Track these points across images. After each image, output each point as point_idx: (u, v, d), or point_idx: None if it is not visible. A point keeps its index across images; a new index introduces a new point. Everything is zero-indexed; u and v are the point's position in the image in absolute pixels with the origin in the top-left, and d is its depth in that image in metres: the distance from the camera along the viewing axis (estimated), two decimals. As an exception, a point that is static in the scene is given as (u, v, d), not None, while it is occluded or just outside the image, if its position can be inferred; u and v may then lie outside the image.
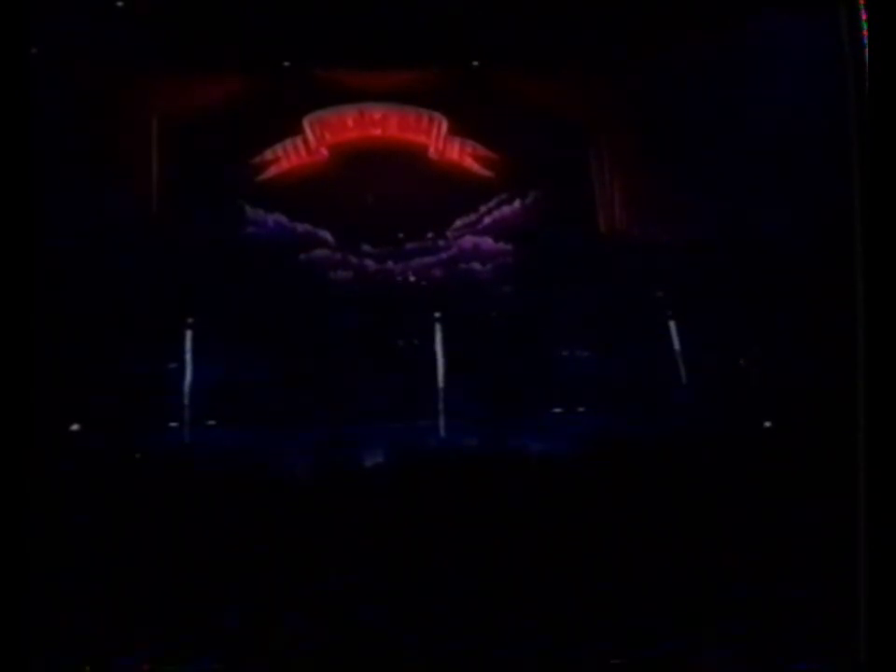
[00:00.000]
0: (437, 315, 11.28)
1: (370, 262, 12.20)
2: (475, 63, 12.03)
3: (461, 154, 12.70)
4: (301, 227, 12.17)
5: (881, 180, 3.59)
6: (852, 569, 3.71)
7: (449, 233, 12.44)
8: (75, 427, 9.58)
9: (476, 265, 12.34)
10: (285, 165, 12.39)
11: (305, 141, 12.46)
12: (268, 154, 12.32)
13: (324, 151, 12.49)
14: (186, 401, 10.49)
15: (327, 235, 12.19)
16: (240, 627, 6.11)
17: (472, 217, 12.51)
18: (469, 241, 12.42)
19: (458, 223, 12.47)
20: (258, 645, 5.79)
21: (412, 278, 12.26)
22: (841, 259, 4.18)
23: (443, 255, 12.37)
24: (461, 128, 12.64)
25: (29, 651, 4.74)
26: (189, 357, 10.71)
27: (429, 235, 12.39)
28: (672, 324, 11.19)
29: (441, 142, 12.67)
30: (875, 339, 3.71)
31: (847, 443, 3.73)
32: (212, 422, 10.39)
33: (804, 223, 9.12)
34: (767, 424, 9.38)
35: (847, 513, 3.74)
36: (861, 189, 3.61)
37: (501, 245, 12.41)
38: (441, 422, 10.49)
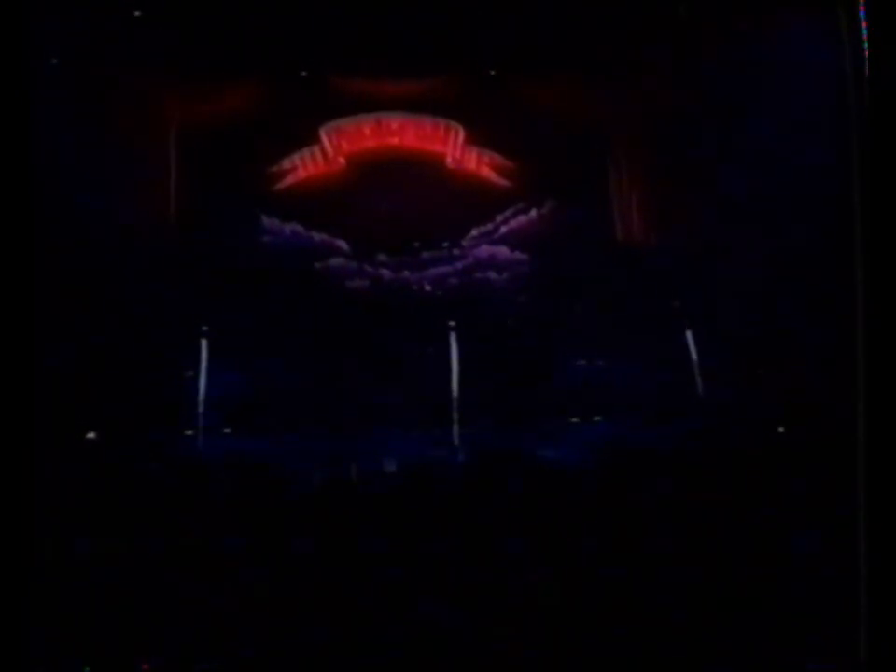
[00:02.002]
0: (452, 323, 11.25)
1: (385, 271, 12.16)
2: (492, 72, 12.00)
3: (478, 163, 12.66)
4: (318, 236, 12.15)
5: (885, 185, 3.54)
6: (853, 569, 3.70)
7: (465, 242, 12.38)
8: (91, 434, 9.61)
9: (492, 274, 12.29)
10: (301, 175, 12.38)
11: (322, 150, 12.45)
12: (285, 163, 12.29)
13: (341, 160, 12.48)
14: (201, 410, 10.52)
15: (343, 244, 12.15)
16: (248, 634, 6.12)
17: (489, 226, 12.46)
18: (484, 250, 12.37)
19: (474, 232, 12.42)
20: (264, 652, 5.80)
21: (427, 287, 12.23)
22: (859, 266, 4.14)
23: (459, 264, 12.32)
24: (478, 137, 12.59)
25: (35, 653, 4.76)
26: (204, 365, 10.73)
27: (445, 244, 12.36)
28: (689, 333, 11.13)
29: (458, 151, 12.64)
30: (880, 346, 3.67)
31: (854, 448, 3.71)
32: (227, 430, 10.40)
33: (823, 232, 9.04)
34: (781, 429, 9.33)
35: (848, 513, 3.72)
36: (861, 194, 3.57)
37: (517, 255, 12.34)
38: (456, 431, 10.46)
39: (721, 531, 6.89)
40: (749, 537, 6.75)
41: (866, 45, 3.42)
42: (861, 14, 3.39)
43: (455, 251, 12.38)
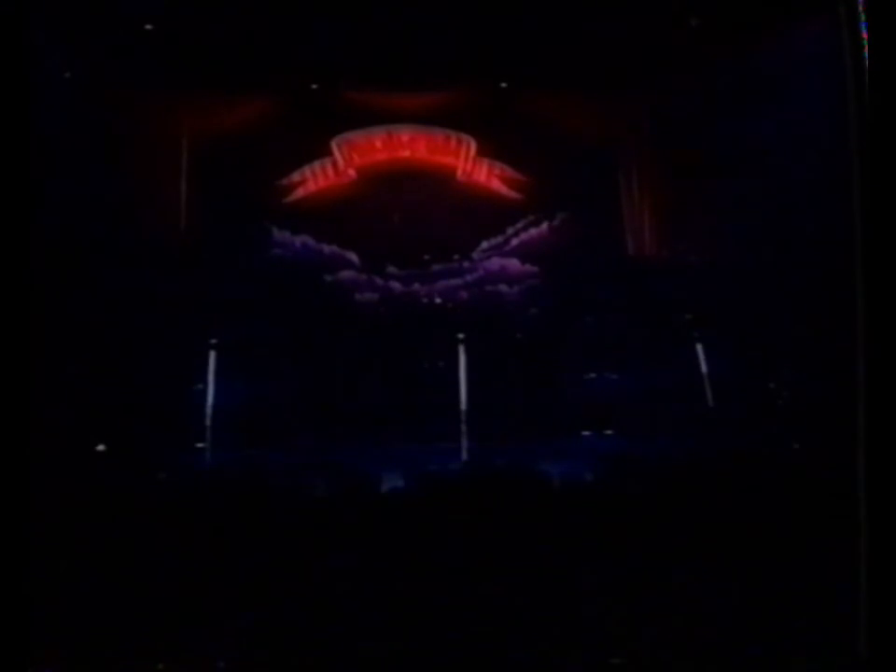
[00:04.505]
0: (462, 336, 11.23)
1: (396, 284, 12.20)
2: (504, 85, 12.00)
3: (489, 176, 12.69)
4: (328, 248, 12.21)
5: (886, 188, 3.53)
6: (853, 570, 3.69)
7: (475, 255, 12.42)
8: (100, 447, 9.63)
9: (503, 287, 12.30)
10: (312, 187, 12.45)
11: (333, 163, 12.51)
12: (296, 176, 12.38)
13: (352, 173, 12.54)
14: (209, 422, 10.52)
15: (353, 257, 12.21)
16: (255, 646, 6.12)
17: (499, 238, 12.49)
18: (495, 263, 12.40)
19: (485, 245, 12.46)
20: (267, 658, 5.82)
21: (437, 300, 12.24)
22: (871, 278, 4.12)
23: (469, 277, 12.35)
24: (489, 150, 12.64)
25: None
26: (213, 378, 10.74)
27: (456, 257, 12.38)
28: (700, 346, 11.07)
29: (469, 164, 12.68)
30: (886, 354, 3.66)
31: (855, 452, 3.72)
32: (237, 442, 10.39)
33: (834, 245, 9.00)
34: (796, 446, 9.26)
35: (849, 515, 3.73)
36: (863, 198, 3.55)
37: (528, 267, 12.37)
38: (465, 445, 10.43)
39: (726, 536, 6.91)
40: (752, 540, 6.77)
41: (866, 45, 3.43)
42: (861, 14, 3.40)
43: (466, 264, 12.40)
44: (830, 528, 5.77)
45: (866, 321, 3.79)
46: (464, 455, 10.33)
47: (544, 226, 12.52)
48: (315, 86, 11.91)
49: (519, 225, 12.51)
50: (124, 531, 7.22)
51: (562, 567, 7.00)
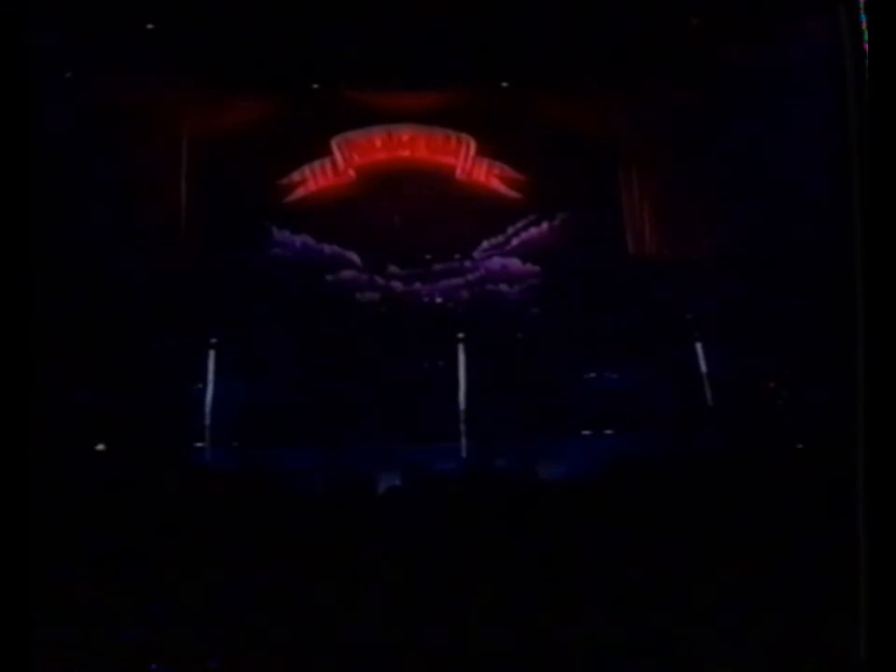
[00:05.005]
0: (463, 336, 11.25)
1: (396, 284, 12.20)
2: (504, 84, 12.01)
3: (489, 175, 12.69)
4: (328, 248, 12.20)
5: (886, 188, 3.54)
6: (853, 570, 3.70)
7: (476, 255, 12.42)
8: (100, 447, 9.65)
9: (503, 287, 12.30)
10: (312, 187, 12.44)
11: (333, 162, 12.51)
12: (296, 175, 12.37)
13: (352, 172, 12.53)
14: (209, 422, 10.53)
15: (354, 257, 12.21)
16: (253, 640, 6.13)
17: (500, 238, 12.48)
18: (496, 262, 12.40)
19: (486, 244, 12.45)
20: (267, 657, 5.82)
21: (438, 299, 12.24)
22: (871, 279, 4.12)
23: (470, 276, 12.35)
24: (489, 149, 12.63)
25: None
26: (213, 378, 10.75)
27: (457, 257, 12.38)
28: (700, 346, 11.08)
29: (468, 163, 12.67)
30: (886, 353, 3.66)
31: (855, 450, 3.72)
32: (235, 443, 10.41)
33: (834, 245, 9.00)
34: (799, 446, 9.26)
35: (849, 515, 3.73)
36: (862, 197, 3.56)
37: (529, 267, 12.37)
38: (465, 445, 10.44)
39: (725, 536, 6.92)
40: (752, 540, 6.79)
41: (866, 45, 3.45)
42: (862, 14, 3.42)
43: (467, 263, 12.40)
44: (830, 528, 5.76)
45: (866, 321, 3.79)
46: (463, 455, 10.35)
47: (545, 225, 12.51)
48: (315, 86, 11.91)
49: (519, 224, 12.50)
50: (123, 531, 7.23)
51: (561, 567, 7.00)
